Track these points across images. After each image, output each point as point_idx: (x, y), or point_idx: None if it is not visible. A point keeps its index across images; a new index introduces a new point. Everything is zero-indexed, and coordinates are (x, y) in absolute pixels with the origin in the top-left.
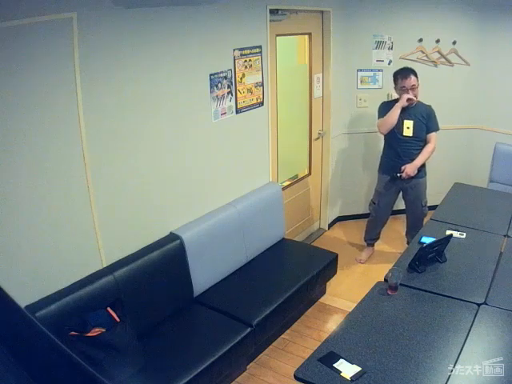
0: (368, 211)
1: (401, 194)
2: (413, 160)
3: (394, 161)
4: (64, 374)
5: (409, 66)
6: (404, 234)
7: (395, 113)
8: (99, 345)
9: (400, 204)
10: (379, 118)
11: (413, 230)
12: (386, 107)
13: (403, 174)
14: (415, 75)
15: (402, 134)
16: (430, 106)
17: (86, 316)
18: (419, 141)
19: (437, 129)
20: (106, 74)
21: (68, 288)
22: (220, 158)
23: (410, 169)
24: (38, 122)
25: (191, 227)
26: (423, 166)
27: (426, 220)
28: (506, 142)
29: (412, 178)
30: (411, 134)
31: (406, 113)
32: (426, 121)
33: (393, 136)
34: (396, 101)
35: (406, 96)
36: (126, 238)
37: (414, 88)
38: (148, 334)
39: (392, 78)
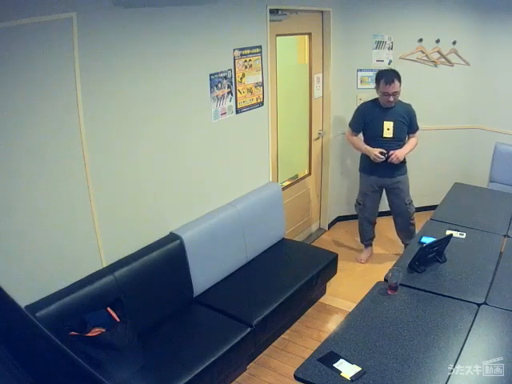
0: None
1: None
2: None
3: (373, 161)
4: (64, 374)
5: (409, 66)
6: (396, 234)
7: (365, 150)
8: (99, 345)
9: None
10: (352, 124)
11: (401, 229)
12: (363, 114)
13: (392, 156)
14: (399, 80)
15: (381, 136)
16: (409, 105)
17: (85, 316)
18: (399, 141)
19: (417, 129)
20: (105, 73)
21: (68, 288)
22: (220, 158)
23: (399, 152)
24: (38, 122)
25: (191, 227)
26: (404, 162)
27: (425, 220)
28: (506, 141)
29: (394, 176)
30: (391, 136)
31: (385, 114)
32: (408, 121)
33: (372, 137)
34: (376, 101)
35: (375, 154)
36: (126, 238)
37: (395, 94)
38: (148, 333)
39: None
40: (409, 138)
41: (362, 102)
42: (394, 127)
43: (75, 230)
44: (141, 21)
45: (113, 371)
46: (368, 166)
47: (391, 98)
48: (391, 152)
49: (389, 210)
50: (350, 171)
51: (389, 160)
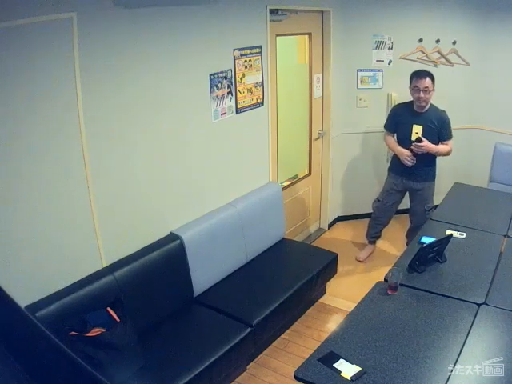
0: (369, 211)
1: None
2: (422, 164)
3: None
4: (64, 374)
5: (409, 66)
6: (405, 234)
7: (397, 150)
8: (99, 345)
9: (402, 204)
10: (386, 125)
11: (412, 232)
12: (395, 115)
13: (424, 142)
14: (431, 79)
15: (410, 139)
16: (444, 112)
17: (85, 316)
18: None
19: (449, 137)
20: (105, 73)
21: (68, 288)
22: (220, 158)
23: (430, 145)
24: (38, 122)
25: (191, 227)
26: (433, 167)
27: None
28: (506, 141)
29: (419, 181)
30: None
31: (416, 117)
32: (438, 128)
33: (401, 139)
34: (409, 104)
35: (405, 156)
36: (126, 238)
37: (426, 90)
38: (148, 333)
39: (393, 79)
40: None
41: (363, 101)
42: (422, 132)
43: (75, 230)
44: (141, 21)
45: (113, 371)
46: (397, 167)
47: (421, 94)
48: (424, 139)
49: (400, 209)
50: (351, 171)
51: (415, 142)
